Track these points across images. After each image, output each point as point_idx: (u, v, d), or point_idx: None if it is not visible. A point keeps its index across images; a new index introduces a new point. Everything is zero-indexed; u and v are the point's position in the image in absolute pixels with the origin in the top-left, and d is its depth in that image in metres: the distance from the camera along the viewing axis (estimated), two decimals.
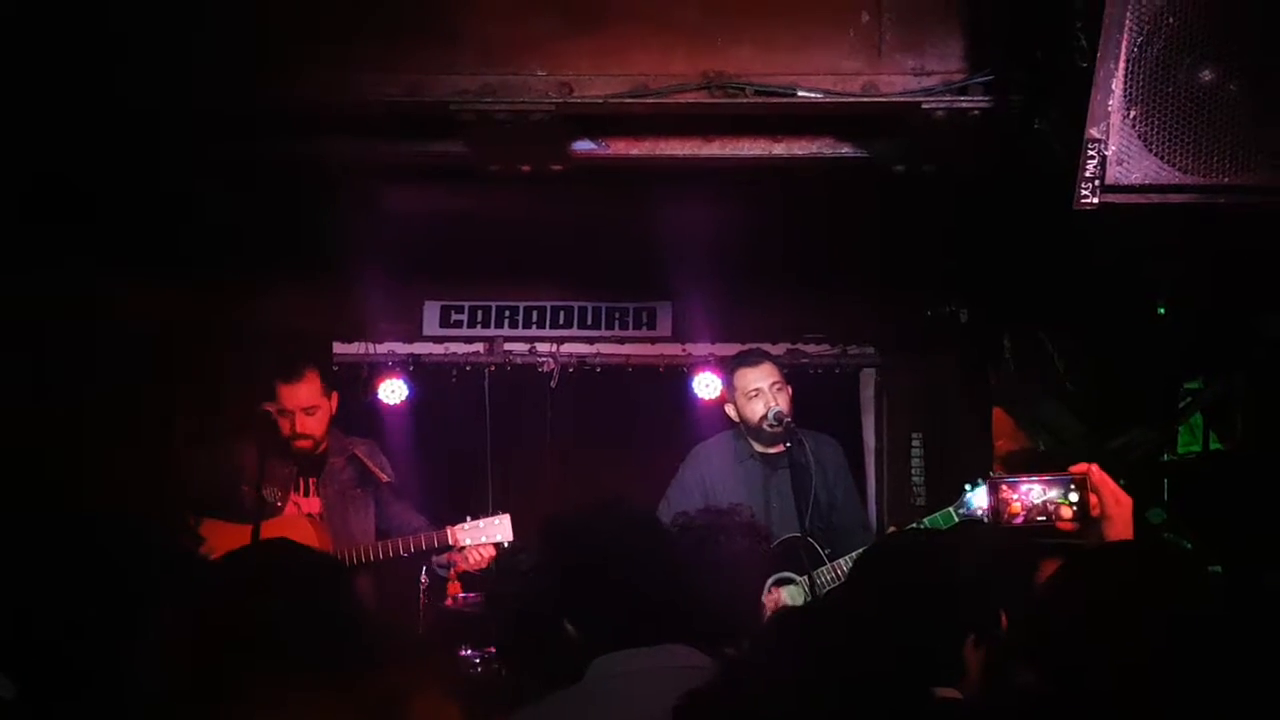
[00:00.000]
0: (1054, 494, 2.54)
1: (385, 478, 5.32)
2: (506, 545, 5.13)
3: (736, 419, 5.22)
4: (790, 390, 5.16)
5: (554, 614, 2.67)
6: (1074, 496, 2.53)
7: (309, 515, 5.15)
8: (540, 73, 3.83)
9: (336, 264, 5.74)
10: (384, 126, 4.05)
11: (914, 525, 4.87)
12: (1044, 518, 2.55)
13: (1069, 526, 2.54)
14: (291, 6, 3.72)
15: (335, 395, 5.30)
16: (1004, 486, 2.58)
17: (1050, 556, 2.86)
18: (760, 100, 3.82)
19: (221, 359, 5.84)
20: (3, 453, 4.32)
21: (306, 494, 5.25)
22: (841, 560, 4.79)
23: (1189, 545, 4.73)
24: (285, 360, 5.23)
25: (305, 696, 1.98)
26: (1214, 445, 5.50)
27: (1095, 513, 2.52)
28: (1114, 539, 2.50)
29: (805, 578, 4.80)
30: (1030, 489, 2.56)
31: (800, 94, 3.79)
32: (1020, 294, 5.62)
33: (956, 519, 4.76)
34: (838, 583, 4.75)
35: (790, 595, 4.80)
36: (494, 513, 5.19)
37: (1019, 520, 2.57)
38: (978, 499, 4.75)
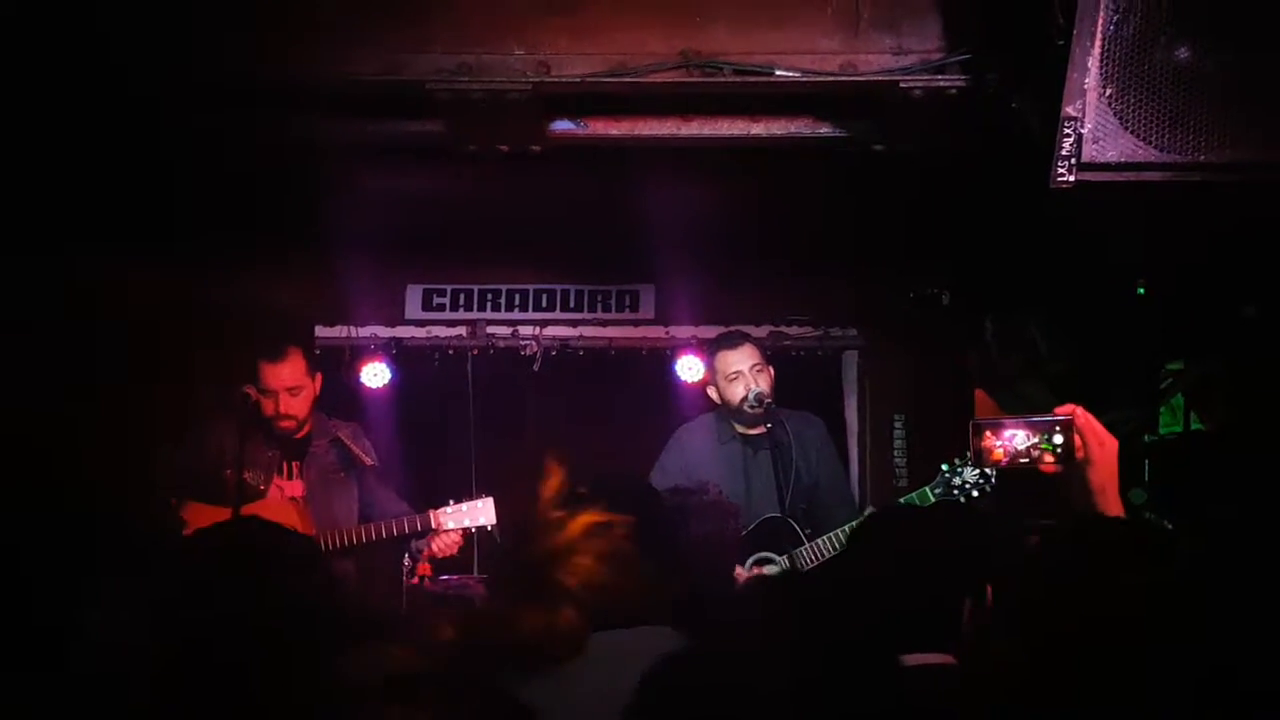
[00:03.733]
0: (1038, 437, 2.51)
1: (369, 461, 5.26)
2: (490, 528, 5.11)
3: (718, 400, 5.21)
4: (772, 371, 5.16)
5: None
6: (1058, 439, 2.49)
7: (292, 499, 5.12)
8: (518, 51, 3.82)
9: (318, 246, 5.73)
10: (360, 105, 4.04)
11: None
12: (1027, 460, 2.51)
13: (1052, 469, 2.50)
14: None
15: (319, 376, 5.24)
16: (987, 430, 2.54)
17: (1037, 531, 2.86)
18: (738, 80, 3.81)
19: (202, 341, 5.82)
20: None
21: (290, 477, 5.20)
22: (821, 540, 4.79)
23: (1169, 525, 4.73)
24: (268, 339, 5.16)
25: (277, 672, 1.96)
26: (1195, 426, 5.53)
27: (1079, 455, 2.48)
28: (1097, 482, 2.45)
29: (785, 557, 4.80)
30: (1014, 433, 2.52)
31: (778, 73, 3.79)
32: (1002, 275, 5.63)
33: (933, 498, 4.77)
34: (818, 562, 4.76)
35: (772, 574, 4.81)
36: (476, 496, 5.17)
37: (1003, 463, 2.53)
38: (957, 479, 4.76)
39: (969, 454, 2.61)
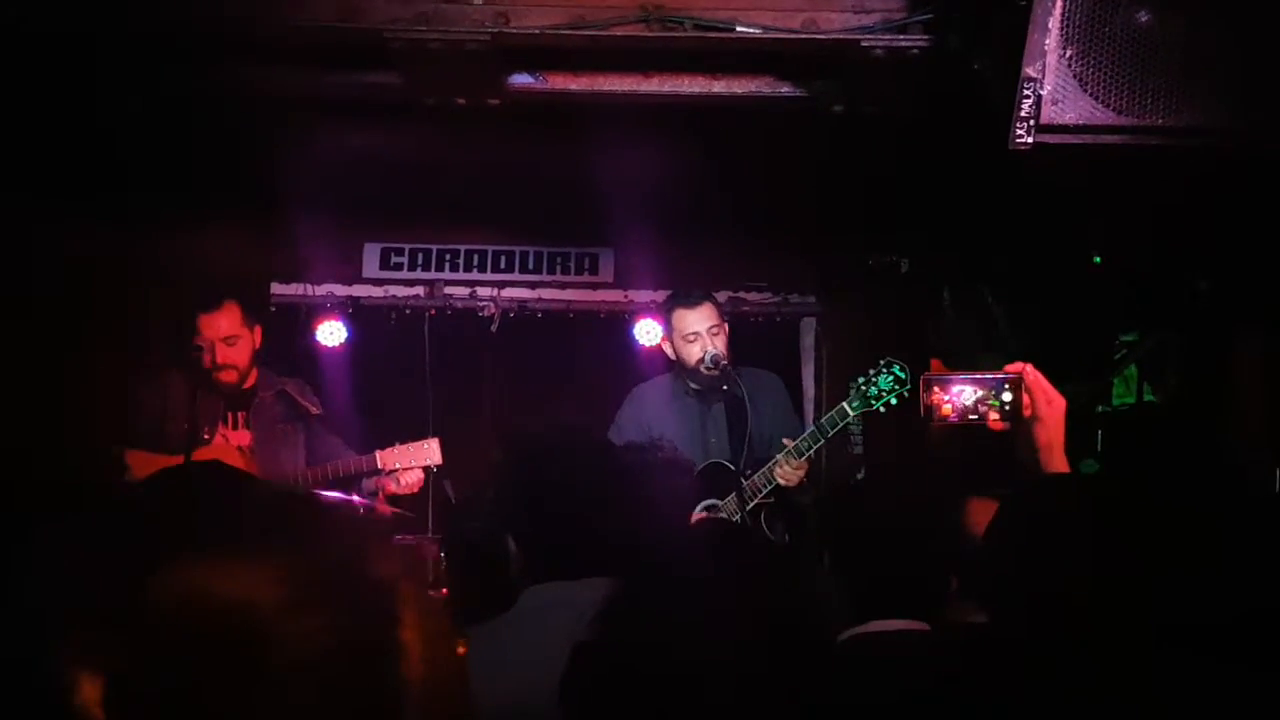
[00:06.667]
0: (986, 393, 2.49)
1: (315, 410, 5.31)
2: (435, 469, 5.16)
3: (674, 357, 5.18)
4: (728, 329, 5.15)
5: (499, 530, 2.68)
6: (1006, 396, 2.46)
7: (238, 448, 5.13)
8: (476, 1, 3.78)
9: (275, 203, 5.66)
10: (316, 54, 3.97)
11: (814, 426, 4.92)
12: (975, 416, 2.50)
13: (999, 426, 2.48)
14: None
15: (259, 329, 5.25)
16: (935, 386, 2.53)
17: (975, 497, 2.86)
18: (699, 35, 3.78)
19: (150, 295, 5.78)
20: None
21: (235, 427, 5.22)
22: (756, 475, 4.82)
23: None
24: (205, 291, 5.19)
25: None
26: (1148, 397, 5.57)
27: (1027, 413, 2.47)
28: (1044, 440, 2.43)
29: (726, 500, 4.85)
30: (962, 389, 2.50)
31: (739, 29, 3.77)
32: (960, 243, 5.64)
33: (851, 412, 4.82)
34: (758, 498, 4.80)
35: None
36: (423, 437, 5.19)
37: (951, 419, 2.51)
38: (872, 389, 4.78)
39: (920, 408, 2.60)
